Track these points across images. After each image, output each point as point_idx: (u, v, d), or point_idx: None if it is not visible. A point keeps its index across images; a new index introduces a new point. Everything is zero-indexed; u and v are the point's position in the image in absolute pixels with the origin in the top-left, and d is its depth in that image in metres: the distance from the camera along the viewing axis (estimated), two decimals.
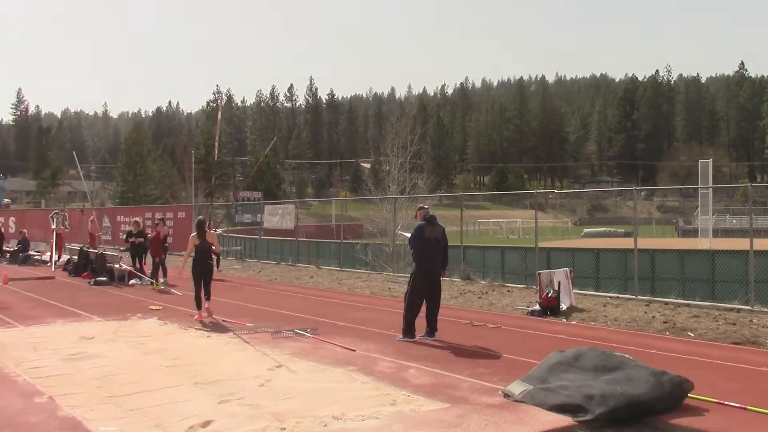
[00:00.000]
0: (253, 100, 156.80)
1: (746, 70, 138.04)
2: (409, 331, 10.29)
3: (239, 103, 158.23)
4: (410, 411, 6.42)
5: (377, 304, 15.16)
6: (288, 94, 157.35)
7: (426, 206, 11.04)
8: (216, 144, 20.60)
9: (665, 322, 12.03)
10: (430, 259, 10.43)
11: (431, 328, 10.40)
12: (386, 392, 7.13)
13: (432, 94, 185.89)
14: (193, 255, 12.89)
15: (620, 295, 15.65)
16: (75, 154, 32.40)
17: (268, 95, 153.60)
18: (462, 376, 7.88)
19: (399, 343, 10.07)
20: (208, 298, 12.68)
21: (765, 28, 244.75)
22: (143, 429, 5.89)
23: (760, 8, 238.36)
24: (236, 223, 54.81)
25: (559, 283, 13.62)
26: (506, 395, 6.90)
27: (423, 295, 10.41)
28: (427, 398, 6.86)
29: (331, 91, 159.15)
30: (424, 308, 10.46)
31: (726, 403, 6.59)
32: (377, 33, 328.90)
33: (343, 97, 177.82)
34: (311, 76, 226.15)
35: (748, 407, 6.45)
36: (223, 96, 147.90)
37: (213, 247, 13.22)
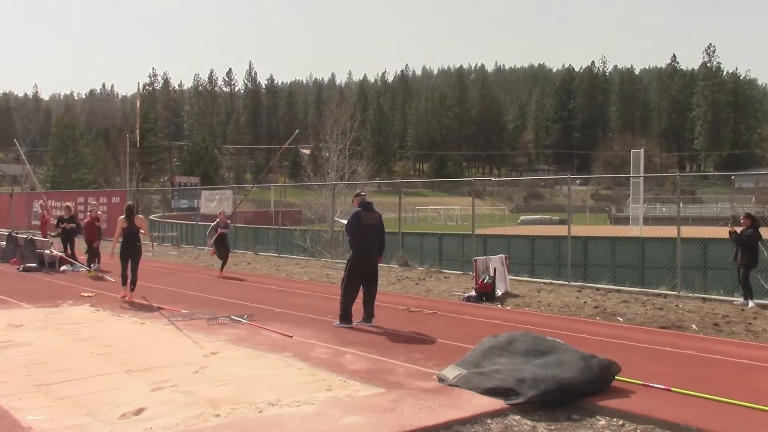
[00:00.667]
0: (191, 84, 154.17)
1: (678, 63, 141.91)
2: (346, 317, 10.32)
3: (176, 87, 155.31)
4: (346, 396, 6.45)
5: (315, 290, 15.15)
6: (227, 79, 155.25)
7: (363, 193, 11.06)
8: (138, 131, 20.19)
9: (596, 308, 12.36)
10: (367, 245, 10.47)
11: (368, 314, 10.45)
12: (322, 378, 7.14)
13: (372, 80, 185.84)
14: (121, 239, 13.28)
15: (554, 281, 16.01)
16: (16, 141, 31.35)
17: (206, 79, 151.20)
18: (398, 361, 7.95)
19: (336, 329, 10.10)
20: (134, 281, 13.08)
21: (696, 22, 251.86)
22: (73, 418, 5.77)
23: (691, 3, 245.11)
24: (172, 209, 53.95)
25: (495, 269, 13.85)
26: (441, 380, 6.98)
27: (360, 281, 10.45)
28: (363, 383, 6.90)
29: (271, 77, 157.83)
30: (361, 294, 10.51)
31: (651, 385, 6.82)
32: (318, 18, 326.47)
33: (282, 82, 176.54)
34: (250, 61, 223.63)
35: (672, 389, 6.69)
36: (159, 79, 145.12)
37: (142, 231, 13.50)
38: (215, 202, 30.04)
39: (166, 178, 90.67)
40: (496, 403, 6.18)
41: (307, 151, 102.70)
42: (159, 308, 11.96)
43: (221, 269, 18.11)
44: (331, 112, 32.81)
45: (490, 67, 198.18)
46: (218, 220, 18.64)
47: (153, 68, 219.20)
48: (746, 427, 5.66)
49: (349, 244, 10.80)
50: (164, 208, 45.36)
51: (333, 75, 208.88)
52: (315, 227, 26.81)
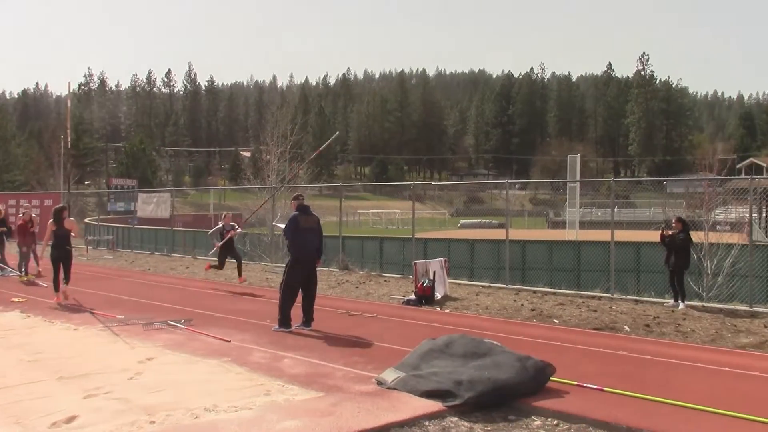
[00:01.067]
0: (128, 85, 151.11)
1: (613, 71, 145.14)
2: (285, 321, 10.26)
3: (113, 87, 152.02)
4: (284, 401, 6.42)
5: (255, 294, 15.03)
6: (165, 80, 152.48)
7: (301, 196, 11.02)
8: (68, 132, 19.65)
9: (533, 310, 12.58)
10: (305, 248, 10.44)
11: (307, 318, 10.42)
12: (260, 382, 7.09)
13: (314, 84, 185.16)
14: (51, 242, 13.25)
15: (492, 284, 16.22)
16: None
17: (144, 80, 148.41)
18: (337, 365, 7.95)
19: (275, 333, 10.03)
20: (66, 282, 13.08)
21: (630, 32, 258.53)
22: (1, 427, 5.60)
23: (626, 13, 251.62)
24: (108, 212, 52.81)
25: (434, 272, 13.96)
26: (380, 383, 7.01)
27: (299, 285, 10.41)
28: (301, 388, 6.88)
29: (211, 78, 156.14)
30: (300, 298, 10.47)
31: (585, 385, 6.98)
32: (258, 20, 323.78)
33: (223, 84, 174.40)
34: (190, 62, 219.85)
35: (605, 389, 6.86)
36: (95, 79, 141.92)
37: (73, 234, 13.44)
38: (152, 205, 29.52)
39: (103, 181, 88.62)
40: (433, 406, 6.23)
41: (248, 154, 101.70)
42: (93, 313, 11.69)
43: (239, 275, 16.84)
44: (272, 115, 32.57)
45: (431, 72, 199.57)
46: (222, 223, 17.01)
47: (89, 68, 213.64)
48: (675, 425, 5.83)
49: (288, 248, 10.74)
50: (100, 211, 44.34)
51: (274, 77, 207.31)
52: (255, 231, 26.55)
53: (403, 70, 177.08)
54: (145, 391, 6.71)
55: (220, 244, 16.69)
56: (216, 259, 17.51)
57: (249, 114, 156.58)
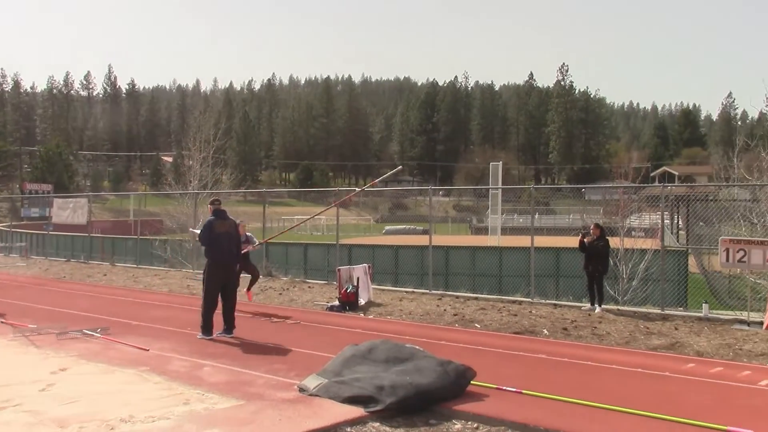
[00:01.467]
0: (45, 87, 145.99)
1: (535, 81, 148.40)
2: (206, 328, 10.10)
3: (28, 89, 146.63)
4: (203, 410, 6.31)
5: (174, 301, 14.74)
6: (84, 82, 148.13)
7: (217, 200, 10.86)
8: None
9: (455, 315, 12.73)
10: (221, 253, 10.30)
11: (228, 325, 10.28)
12: (179, 392, 6.95)
13: (239, 88, 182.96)
14: None
15: (416, 290, 16.34)
16: None
17: (62, 82, 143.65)
18: (258, 372, 7.86)
19: (195, 341, 9.86)
20: None
21: (551, 42, 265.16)
22: None
23: (547, 24, 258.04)
24: (22, 218, 50.91)
25: (358, 278, 13.98)
26: (302, 390, 6.97)
27: (217, 290, 10.26)
28: (221, 396, 6.78)
29: (132, 81, 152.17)
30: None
31: (504, 388, 7.10)
32: (182, 23, 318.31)
33: (144, 87, 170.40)
34: (110, 65, 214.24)
35: (523, 391, 6.99)
36: (9, 80, 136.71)
37: None
38: (69, 210, 28.59)
39: (17, 186, 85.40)
40: (355, 411, 6.24)
41: (169, 159, 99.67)
42: (3, 322, 11.24)
43: (248, 288, 14.34)
44: (195, 120, 32.06)
45: (357, 79, 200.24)
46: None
47: (2, 69, 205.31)
48: (589, 425, 6.00)
49: (205, 254, 10.59)
50: (12, 217, 42.68)
51: (198, 81, 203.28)
52: (176, 237, 26.04)
53: (329, 77, 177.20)
54: (58, 402, 6.48)
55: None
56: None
57: (171, 118, 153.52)
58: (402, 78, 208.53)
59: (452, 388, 6.80)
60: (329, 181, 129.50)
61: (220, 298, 10.31)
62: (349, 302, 13.40)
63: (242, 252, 12.71)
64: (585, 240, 13.75)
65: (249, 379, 7.55)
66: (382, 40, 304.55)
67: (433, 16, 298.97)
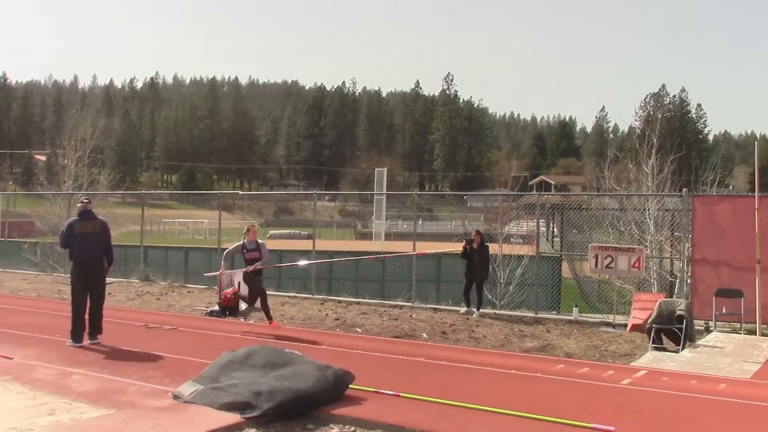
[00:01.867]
0: None
1: (421, 89, 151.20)
2: (76, 334, 9.66)
3: None
4: (70, 420, 6.03)
5: (44, 307, 14.05)
6: None
7: (85, 200, 10.40)
8: None
9: (337, 320, 12.77)
10: (83, 255, 9.87)
11: (92, 330, 9.80)
12: (44, 401, 6.62)
13: (120, 86, 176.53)
14: None
15: (298, 295, 16.28)
16: None
17: None
18: (131, 380, 7.59)
19: (63, 348, 9.41)
20: None
21: (437, 51, 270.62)
22: None
23: (434, 33, 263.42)
24: None
25: (239, 283, 13.74)
26: (176, 397, 6.79)
27: (84, 293, 9.83)
28: (90, 405, 6.50)
29: (4, 75, 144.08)
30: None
31: (382, 391, 7.17)
32: (60, 16, 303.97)
33: (18, 81, 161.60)
34: None
35: (401, 394, 7.08)
36: None
37: None
38: None
39: None
40: (231, 418, 6.13)
41: (42, 158, 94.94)
42: None
43: (268, 317, 12.04)
44: (71, 117, 30.80)
45: (243, 80, 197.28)
46: (245, 240, 12.18)
47: None
48: (465, 426, 6.14)
49: (69, 257, 10.16)
50: None
51: (75, 77, 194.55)
52: (48, 239, 24.81)
53: (214, 77, 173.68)
54: None
55: (245, 270, 12.03)
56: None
57: (46, 115, 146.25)
58: (290, 81, 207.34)
59: (331, 392, 6.81)
60: (213, 184, 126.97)
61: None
62: (229, 307, 13.13)
63: (251, 268, 11.77)
64: (467, 247, 14.11)
65: (120, 387, 7.28)
66: (271, 43, 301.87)
67: (321, 20, 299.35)
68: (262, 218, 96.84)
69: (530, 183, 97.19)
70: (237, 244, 12.32)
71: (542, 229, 30.09)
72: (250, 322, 12.54)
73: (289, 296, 16.10)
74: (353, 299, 15.72)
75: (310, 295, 16.03)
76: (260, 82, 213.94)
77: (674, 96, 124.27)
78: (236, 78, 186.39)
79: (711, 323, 12.05)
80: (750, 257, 11.81)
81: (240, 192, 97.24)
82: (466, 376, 8.41)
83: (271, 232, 68.04)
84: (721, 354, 9.93)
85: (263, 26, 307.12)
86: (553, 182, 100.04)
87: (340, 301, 15.32)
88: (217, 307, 13.27)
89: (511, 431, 6.07)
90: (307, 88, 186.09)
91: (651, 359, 9.59)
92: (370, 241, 42.94)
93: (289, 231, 64.92)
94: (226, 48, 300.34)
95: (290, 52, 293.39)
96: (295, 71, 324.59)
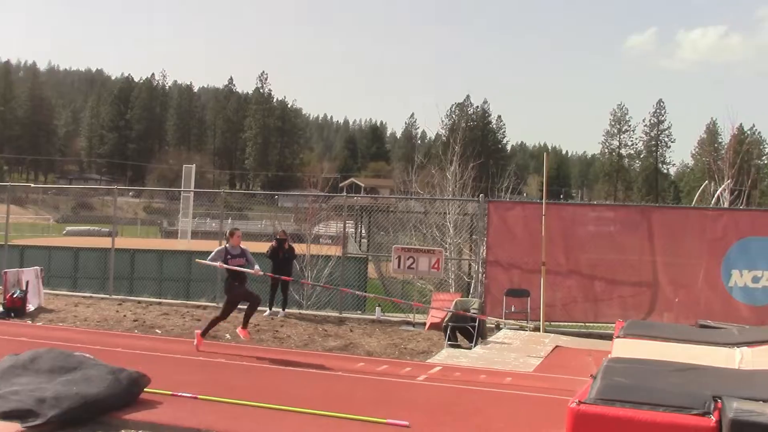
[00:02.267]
0: None
1: (234, 86, 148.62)
2: None
3: None
4: None
5: None
6: None
7: None
8: None
9: (135, 321, 12.28)
10: None
11: None
12: None
13: None
14: None
15: (95, 295, 15.46)
16: None
17: None
18: None
19: None
20: None
21: (253, 49, 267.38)
22: None
23: (249, 32, 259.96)
24: None
25: (28, 282, 12.86)
26: None
27: None
28: None
29: None
30: None
31: (180, 394, 6.99)
32: None
33: None
34: None
35: (199, 396, 6.95)
36: None
37: None
38: None
39: None
40: (11, 427, 5.78)
41: None
42: None
43: (244, 326, 10.42)
44: None
45: (42, 66, 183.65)
46: (228, 245, 10.55)
47: None
48: (263, 426, 6.17)
49: None
50: None
51: None
52: None
53: (9, 61, 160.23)
54: None
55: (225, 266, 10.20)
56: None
57: None
58: (94, 70, 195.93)
59: (124, 396, 6.55)
60: (4, 176, 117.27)
61: None
62: (15, 308, 12.26)
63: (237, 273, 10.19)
64: (274, 246, 14.09)
65: None
66: (74, 29, 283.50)
67: (131, 9, 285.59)
68: (59, 214, 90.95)
69: (341, 185, 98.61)
70: (219, 249, 10.53)
71: (350, 230, 30.70)
72: (39, 323, 11.74)
73: (84, 296, 15.21)
74: (155, 299, 15.17)
75: (108, 296, 15.26)
76: (61, 68, 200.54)
77: (477, 107, 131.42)
78: (34, 63, 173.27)
79: (502, 321, 12.87)
80: (537, 259, 12.75)
81: (33, 185, 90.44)
82: (267, 377, 8.40)
83: (68, 228, 64.12)
84: (509, 350, 10.65)
85: (67, 12, 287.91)
86: (363, 185, 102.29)
87: (140, 302, 14.71)
88: (1, 308, 12.32)
89: (307, 430, 6.14)
90: (113, 78, 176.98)
91: (446, 356, 10.10)
92: (175, 239, 41.64)
93: (88, 228, 61.53)
94: (23, 31, 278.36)
95: (96, 40, 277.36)
96: (100, 60, 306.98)
